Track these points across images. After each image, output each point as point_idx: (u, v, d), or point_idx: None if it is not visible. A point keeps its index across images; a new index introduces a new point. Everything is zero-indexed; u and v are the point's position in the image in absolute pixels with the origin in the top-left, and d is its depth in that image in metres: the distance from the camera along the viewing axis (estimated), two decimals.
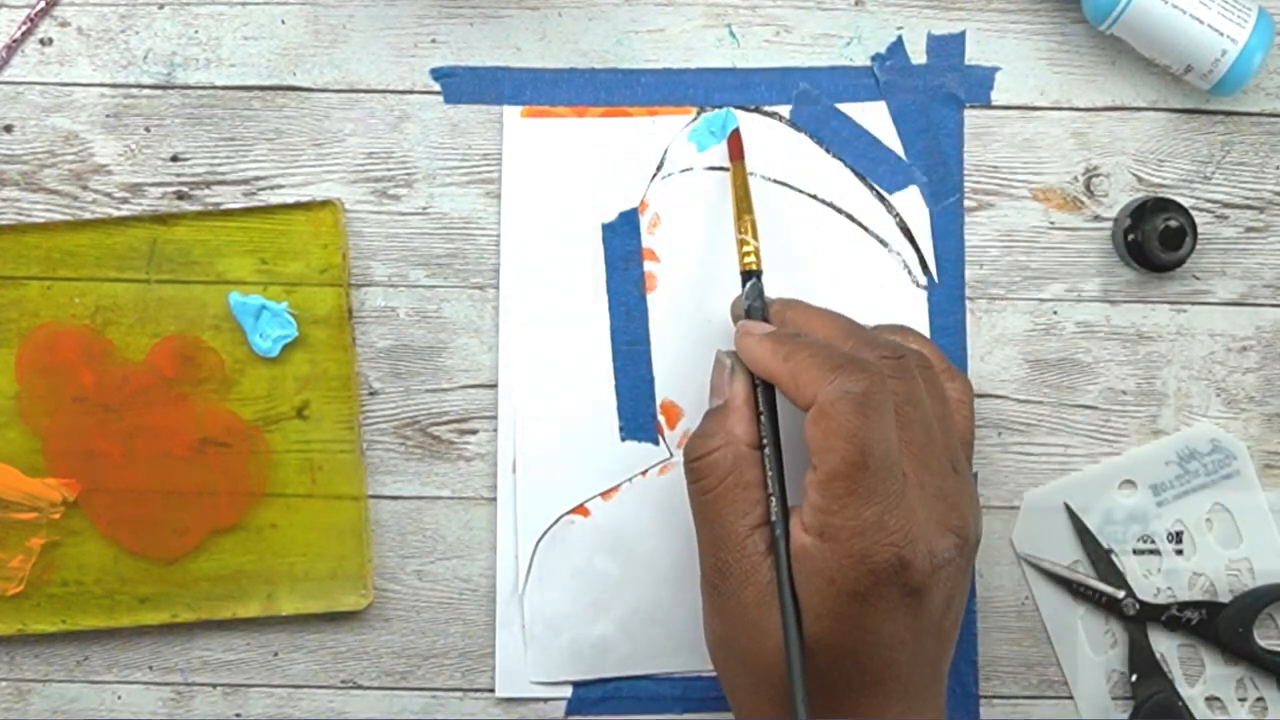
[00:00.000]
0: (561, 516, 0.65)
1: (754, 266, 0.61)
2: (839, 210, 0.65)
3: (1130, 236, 0.64)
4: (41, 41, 0.65)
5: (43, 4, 0.65)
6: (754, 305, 0.61)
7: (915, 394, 0.56)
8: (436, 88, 0.65)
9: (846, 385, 0.54)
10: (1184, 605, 0.65)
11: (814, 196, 0.65)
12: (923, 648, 0.55)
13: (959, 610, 0.57)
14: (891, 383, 0.55)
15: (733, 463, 0.57)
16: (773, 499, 0.56)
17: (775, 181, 0.65)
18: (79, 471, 0.64)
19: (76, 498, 0.64)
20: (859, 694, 0.55)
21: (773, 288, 0.65)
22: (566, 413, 0.65)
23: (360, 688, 0.66)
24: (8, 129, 0.65)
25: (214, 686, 0.66)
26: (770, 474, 0.56)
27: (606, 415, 0.65)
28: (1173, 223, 0.63)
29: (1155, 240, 0.63)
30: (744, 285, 0.61)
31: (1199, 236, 0.64)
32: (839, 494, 0.53)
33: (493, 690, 0.65)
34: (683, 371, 0.65)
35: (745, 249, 0.62)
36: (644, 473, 0.65)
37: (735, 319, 0.61)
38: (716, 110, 0.65)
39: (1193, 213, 0.64)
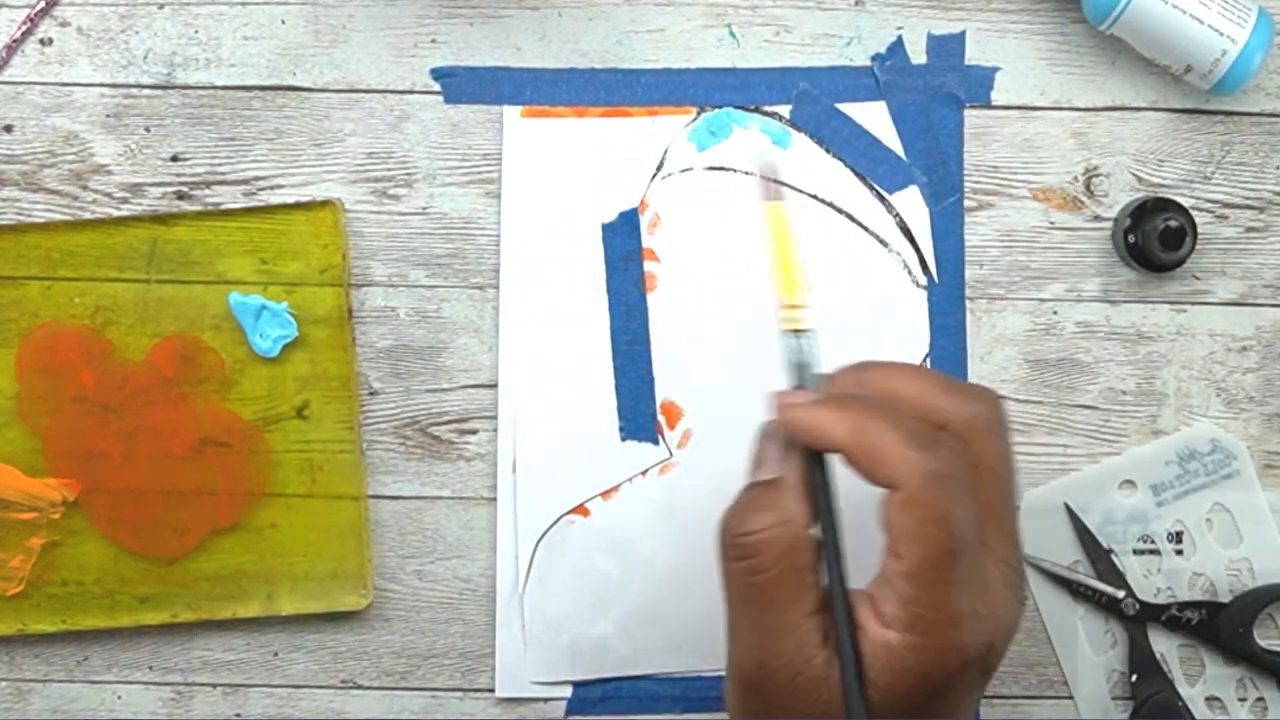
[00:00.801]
0: (561, 516, 0.65)
1: (800, 328, 0.52)
2: (839, 210, 0.65)
3: (1130, 237, 0.64)
4: (41, 41, 0.65)
5: (43, 4, 0.65)
6: (803, 362, 0.52)
7: (993, 453, 0.51)
8: (436, 88, 0.65)
9: (937, 466, 0.48)
10: (1184, 605, 0.65)
11: (814, 196, 0.65)
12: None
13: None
14: (983, 446, 0.50)
15: (790, 543, 0.50)
16: (831, 588, 0.50)
17: (775, 181, 0.65)
18: (79, 471, 0.64)
19: (76, 498, 0.64)
20: None
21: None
22: (566, 413, 0.65)
23: (360, 688, 0.66)
24: (8, 129, 0.65)
25: (214, 686, 0.66)
26: (831, 562, 0.50)
27: (606, 415, 0.65)
28: (1173, 223, 0.63)
29: (1155, 240, 0.63)
30: (784, 343, 0.52)
31: (1199, 236, 0.64)
32: (931, 584, 0.48)
33: (493, 690, 0.65)
34: (683, 371, 0.65)
35: (791, 310, 0.52)
36: (644, 473, 0.65)
37: (786, 419, 0.52)
38: (716, 110, 0.65)
39: (1193, 213, 0.64)
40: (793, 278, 0.52)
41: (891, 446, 0.49)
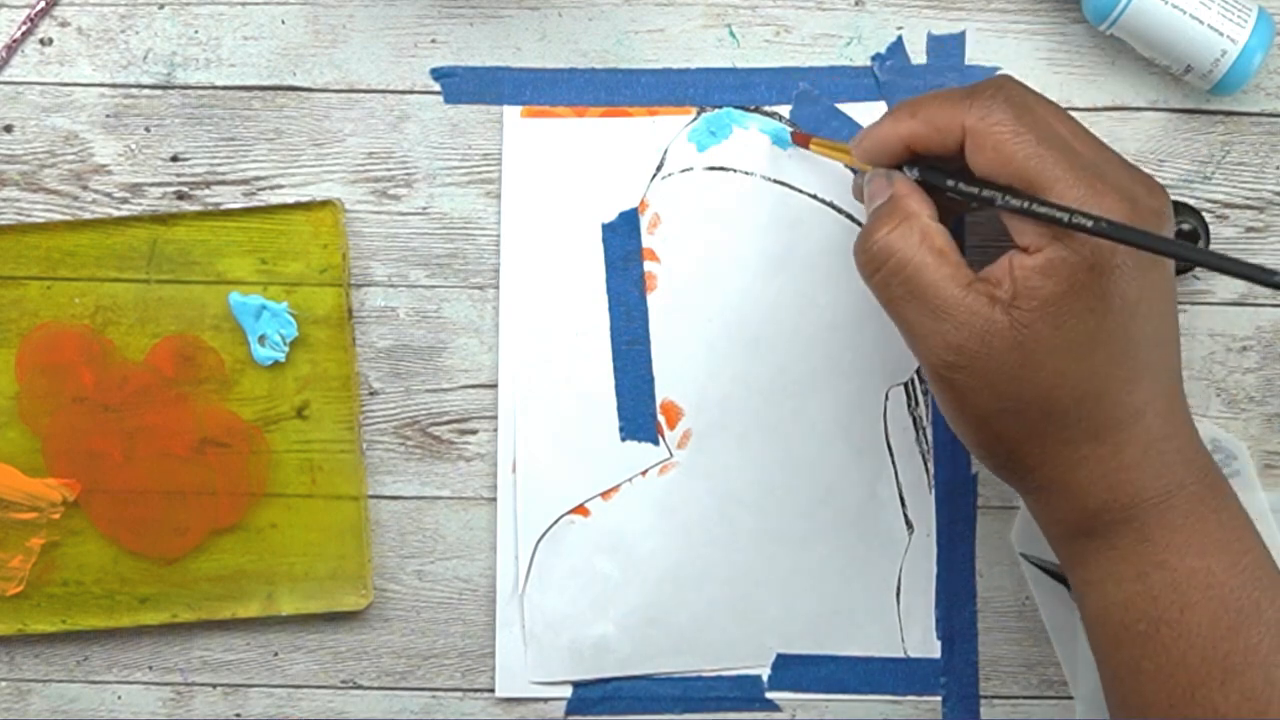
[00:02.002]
0: (561, 516, 0.65)
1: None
2: (839, 210, 0.65)
3: None
4: (41, 41, 0.65)
5: (43, 4, 0.65)
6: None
7: (1048, 100, 0.56)
8: (436, 88, 0.65)
9: (985, 103, 0.54)
10: None
11: (814, 197, 0.65)
12: (1168, 339, 0.56)
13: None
14: (1021, 88, 0.55)
15: (921, 230, 0.55)
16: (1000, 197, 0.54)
17: (775, 181, 0.65)
18: (79, 471, 0.64)
19: (76, 498, 0.64)
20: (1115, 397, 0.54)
21: (773, 287, 0.65)
22: (566, 413, 0.65)
23: (360, 688, 0.66)
24: (8, 129, 0.65)
25: (214, 686, 0.66)
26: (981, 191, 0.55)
27: (606, 415, 0.65)
28: (1185, 226, 0.63)
29: None
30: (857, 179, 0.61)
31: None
32: (1049, 184, 0.53)
33: (493, 690, 0.65)
34: (683, 371, 0.65)
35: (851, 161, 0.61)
36: (644, 473, 0.65)
37: (861, 191, 0.60)
38: (716, 110, 0.65)
39: None
40: (840, 151, 0.61)
41: (944, 106, 0.55)
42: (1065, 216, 0.52)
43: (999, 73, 0.59)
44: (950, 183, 0.55)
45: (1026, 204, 0.53)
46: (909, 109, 0.56)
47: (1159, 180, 0.65)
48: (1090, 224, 0.51)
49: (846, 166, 0.64)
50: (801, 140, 0.64)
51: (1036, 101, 0.55)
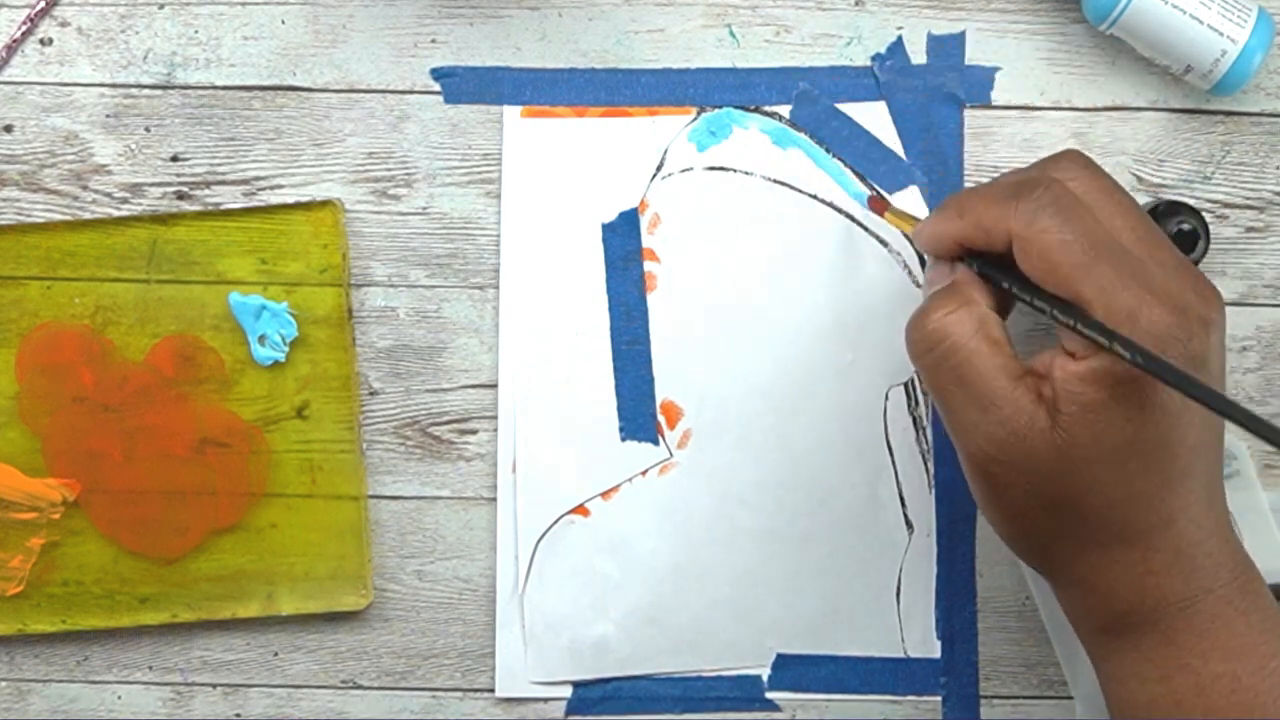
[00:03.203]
0: (561, 516, 0.65)
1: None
2: (839, 210, 0.65)
3: None
4: (41, 41, 0.65)
5: (43, 4, 0.65)
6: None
7: (1106, 183, 0.55)
8: (436, 88, 0.65)
9: (1031, 206, 0.53)
10: None
11: (814, 197, 0.65)
12: (1210, 443, 0.54)
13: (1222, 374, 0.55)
14: (1074, 181, 0.54)
15: (979, 318, 0.54)
16: (1048, 311, 0.53)
17: (775, 181, 0.65)
18: (79, 471, 0.64)
19: (76, 498, 0.64)
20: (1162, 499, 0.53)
21: (773, 287, 0.65)
22: (566, 413, 0.65)
23: (360, 688, 0.66)
24: (8, 129, 0.65)
25: (214, 686, 0.66)
26: (1032, 298, 0.53)
27: (606, 415, 0.65)
28: (1185, 226, 0.63)
29: None
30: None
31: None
32: (1085, 298, 0.51)
33: (493, 690, 0.65)
34: (683, 371, 0.65)
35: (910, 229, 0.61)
36: (644, 473, 0.65)
37: (920, 242, 0.59)
38: (716, 110, 0.65)
39: None
40: (907, 222, 0.61)
41: (991, 208, 0.54)
42: (1107, 342, 0.51)
43: (1060, 155, 0.57)
44: (1005, 285, 0.54)
45: (1073, 321, 0.52)
46: (957, 207, 0.55)
47: (1158, 179, 0.65)
48: (1128, 355, 0.50)
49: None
50: (878, 207, 0.64)
51: (1090, 192, 0.54)
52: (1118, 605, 0.54)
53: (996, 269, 0.55)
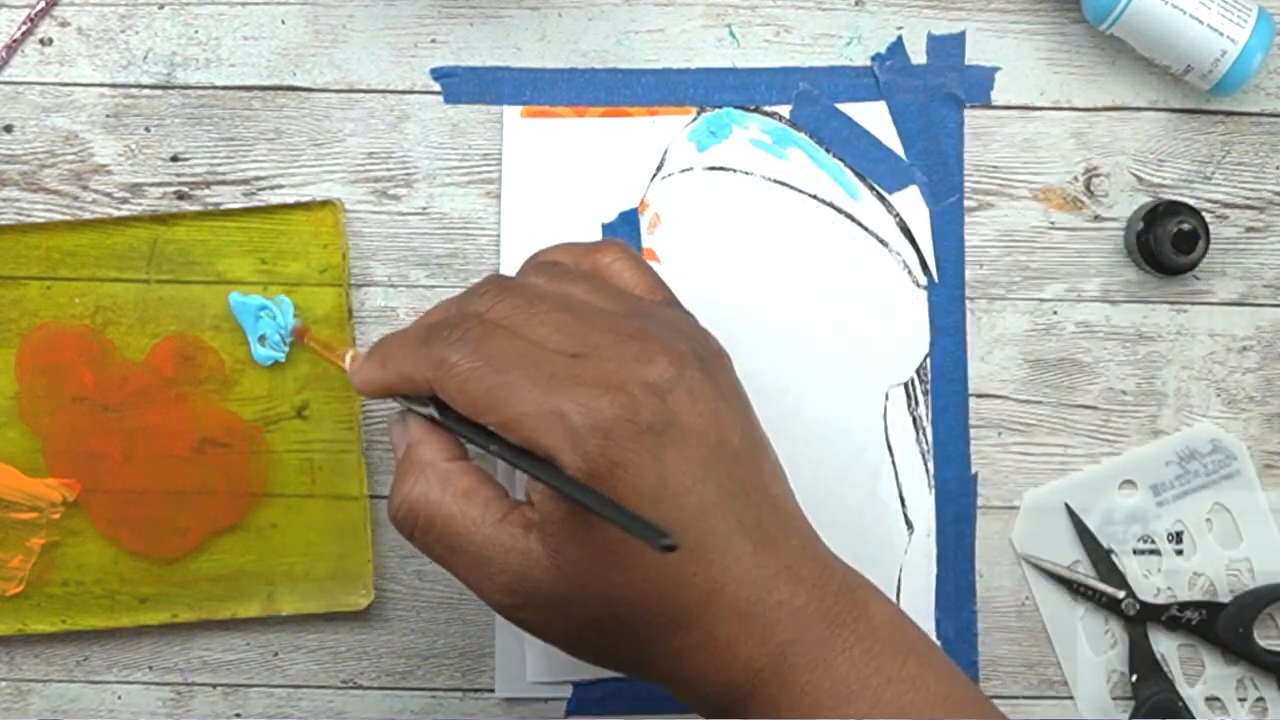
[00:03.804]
0: None
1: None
2: (839, 210, 0.65)
3: (1143, 240, 0.64)
4: (41, 41, 0.65)
5: (43, 4, 0.65)
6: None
7: (534, 294, 0.52)
8: (436, 88, 0.65)
9: (436, 349, 0.50)
10: (1184, 605, 0.65)
11: (814, 196, 0.65)
12: (726, 497, 0.50)
13: (751, 446, 0.52)
14: (498, 308, 0.52)
15: (441, 479, 0.52)
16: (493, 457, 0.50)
17: (775, 181, 0.65)
18: (79, 471, 0.64)
19: (76, 498, 0.64)
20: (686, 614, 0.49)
21: (773, 287, 0.65)
22: None
23: (360, 688, 0.66)
24: (8, 129, 0.65)
25: (214, 686, 0.66)
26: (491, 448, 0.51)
27: None
28: (1185, 226, 0.63)
29: (1168, 244, 0.63)
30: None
31: None
32: (517, 407, 0.49)
33: (493, 690, 0.65)
34: None
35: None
36: None
37: (356, 388, 0.57)
38: (716, 110, 0.65)
39: None
40: (336, 355, 0.61)
41: (407, 357, 0.52)
42: (527, 466, 0.49)
43: (490, 279, 0.54)
44: (459, 428, 0.52)
45: (499, 448, 0.50)
46: (381, 357, 0.53)
47: (1158, 179, 0.65)
48: (545, 478, 0.48)
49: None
50: (299, 334, 0.63)
51: (506, 310, 0.51)
52: (710, 689, 0.51)
53: (446, 416, 0.52)
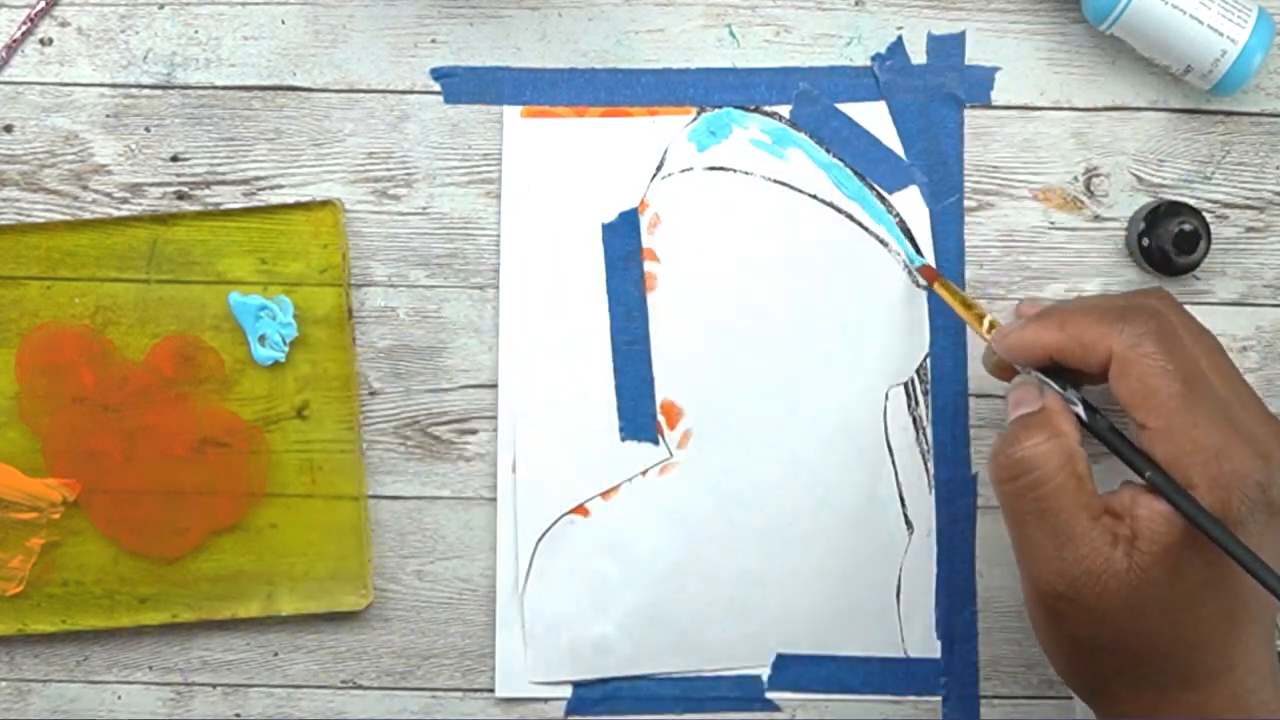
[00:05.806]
0: (561, 516, 0.65)
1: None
2: (839, 210, 0.65)
3: (1144, 240, 0.64)
4: (41, 41, 0.65)
5: (43, 4, 0.65)
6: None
7: (1199, 326, 0.55)
8: (436, 88, 0.65)
9: (1137, 329, 0.53)
10: None
11: (814, 197, 0.65)
12: None
13: None
14: (1173, 316, 0.54)
15: (1067, 453, 0.53)
16: (1139, 469, 0.53)
17: (775, 181, 0.65)
18: (79, 471, 0.64)
19: (76, 498, 0.64)
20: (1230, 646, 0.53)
21: (773, 287, 0.65)
22: (566, 413, 0.65)
23: (360, 688, 0.66)
24: (8, 129, 0.65)
25: (214, 686, 0.66)
26: (1121, 444, 0.54)
27: (606, 415, 0.65)
28: (1186, 226, 0.63)
29: (1169, 244, 0.63)
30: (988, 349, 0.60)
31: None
32: (1178, 431, 0.52)
33: (493, 690, 0.65)
34: (683, 371, 0.65)
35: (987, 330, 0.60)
36: (644, 473, 0.65)
37: (991, 365, 0.60)
38: (716, 110, 0.65)
39: None
40: (973, 315, 0.61)
41: (1094, 326, 0.54)
42: (1192, 511, 0.51)
43: (1155, 290, 0.57)
44: (1107, 435, 0.54)
45: (1165, 482, 0.52)
46: (1058, 320, 0.55)
47: (1158, 179, 0.65)
48: (1209, 528, 0.50)
49: (972, 329, 0.63)
50: (929, 275, 0.64)
51: (1186, 330, 0.54)
52: None
53: (1100, 414, 0.55)
